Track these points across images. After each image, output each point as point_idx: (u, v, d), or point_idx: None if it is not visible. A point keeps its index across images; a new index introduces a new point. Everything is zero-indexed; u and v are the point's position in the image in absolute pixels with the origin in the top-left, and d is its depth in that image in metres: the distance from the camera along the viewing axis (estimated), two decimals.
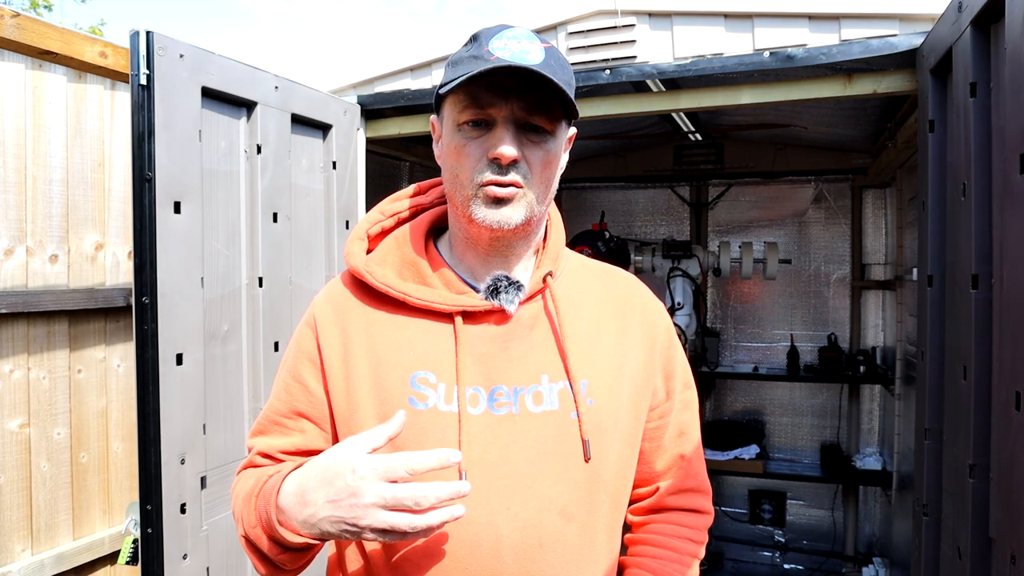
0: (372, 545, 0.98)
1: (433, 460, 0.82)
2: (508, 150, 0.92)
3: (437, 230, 1.10)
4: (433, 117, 1.06)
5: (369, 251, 1.07)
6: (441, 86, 0.97)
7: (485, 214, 0.95)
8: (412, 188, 1.13)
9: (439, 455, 0.82)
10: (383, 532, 0.81)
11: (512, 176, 0.93)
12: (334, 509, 0.82)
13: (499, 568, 0.93)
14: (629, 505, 1.12)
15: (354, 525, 0.82)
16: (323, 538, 0.88)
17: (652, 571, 1.08)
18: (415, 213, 1.10)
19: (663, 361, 1.10)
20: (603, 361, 1.03)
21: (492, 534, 0.93)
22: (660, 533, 1.12)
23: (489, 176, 0.93)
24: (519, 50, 0.92)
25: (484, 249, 1.02)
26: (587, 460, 0.97)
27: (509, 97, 0.92)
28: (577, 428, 0.98)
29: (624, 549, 1.12)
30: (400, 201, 1.11)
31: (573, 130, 1.06)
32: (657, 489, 1.13)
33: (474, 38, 0.97)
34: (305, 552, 0.94)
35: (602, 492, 1.00)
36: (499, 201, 0.94)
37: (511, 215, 0.95)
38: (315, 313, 1.06)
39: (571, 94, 0.96)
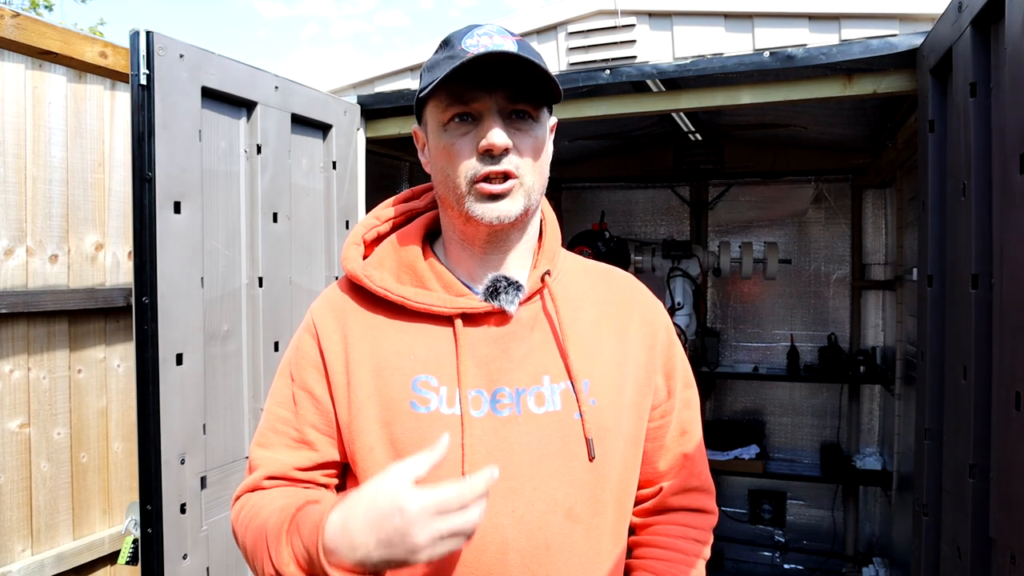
0: None
1: (482, 485, 0.80)
2: (499, 136, 0.92)
3: (433, 234, 1.09)
4: (415, 127, 1.06)
5: (365, 256, 1.07)
6: (421, 90, 0.97)
7: (483, 211, 0.95)
8: (404, 193, 1.13)
9: (485, 477, 0.81)
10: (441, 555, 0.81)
11: (505, 165, 0.93)
12: (388, 550, 0.80)
13: (505, 572, 0.92)
14: (633, 506, 1.11)
15: (412, 561, 0.80)
16: (378, 572, 0.84)
17: (658, 573, 1.07)
18: (410, 218, 1.10)
19: (663, 360, 1.09)
20: (604, 361, 1.02)
21: (497, 537, 0.92)
22: (664, 534, 1.11)
23: (482, 169, 0.93)
24: (492, 45, 0.92)
25: (480, 248, 1.01)
26: (591, 459, 0.97)
27: (492, 89, 0.93)
28: (580, 428, 0.97)
29: (629, 551, 1.11)
30: (393, 207, 1.11)
31: (554, 119, 1.06)
32: (660, 489, 1.12)
33: (446, 42, 0.97)
34: None
35: (607, 493, 0.99)
36: (495, 197, 0.94)
37: (509, 208, 0.95)
38: (315, 319, 1.05)
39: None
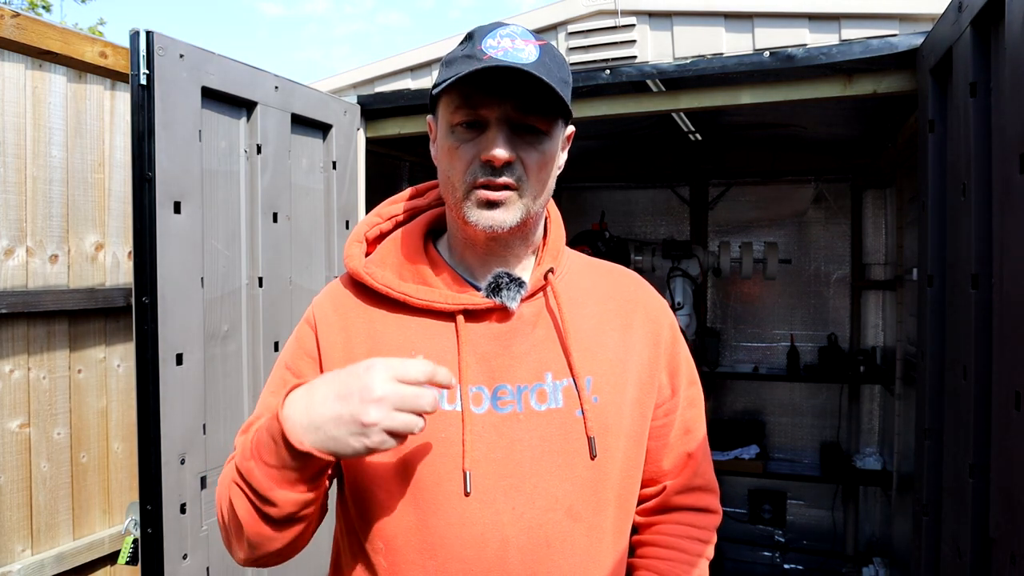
0: (372, 546, 0.97)
1: (445, 376, 0.84)
2: (500, 152, 0.91)
3: (436, 232, 1.09)
4: (429, 117, 1.05)
5: (367, 254, 1.07)
6: (435, 86, 0.96)
7: (478, 217, 0.94)
8: (409, 191, 1.13)
9: (449, 372, 0.85)
10: (391, 434, 0.80)
11: (505, 178, 0.92)
12: (343, 406, 0.80)
13: (505, 569, 0.92)
14: (636, 505, 1.11)
15: (363, 423, 0.79)
16: (324, 451, 0.80)
17: (660, 573, 1.07)
18: (412, 215, 1.10)
19: (667, 358, 1.09)
20: (607, 358, 1.02)
21: (497, 535, 0.92)
22: (667, 533, 1.11)
23: (481, 177, 0.92)
24: (512, 48, 0.91)
25: (482, 249, 1.01)
26: (593, 458, 0.96)
27: (502, 97, 0.91)
28: (582, 426, 0.97)
29: (632, 550, 1.11)
30: (397, 204, 1.11)
31: (571, 128, 1.04)
32: (664, 488, 1.12)
33: (469, 36, 0.96)
34: (301, 506, 0.87)
35: (608, 491, 0.99)
36: (492, 204, 0.93)
37: (504, 218, 0.94)
38: (315, 312, 1.05)
39: (567, 92, 0.95)
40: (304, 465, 0.83)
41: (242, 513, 0.88)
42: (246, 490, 0.87)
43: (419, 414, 0.81)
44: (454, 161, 0.95)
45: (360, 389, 0.80)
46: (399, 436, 0.81)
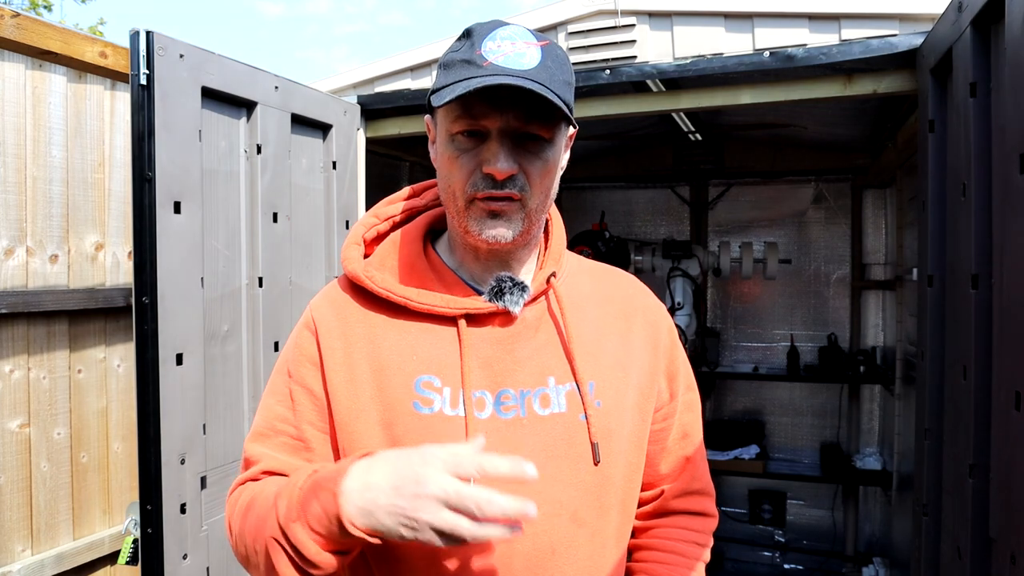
0: (375, 553, 0.95)
1: (506, 467, 0.77)
2: (503, 166, 0.89)
3: (435, 232, 1.08)
4: (427, 117, 1.03)
5: (366, 256, 1.05)
6: (433, 91, 0.94)
7: (480, 229, 0.93)
8: (406, 191, 1.11)
9: (514, 464, 0.77)
10: (441, 534, 0.77)
11: (508, 189, 0.91)
12: (395, 497, 0.78)
13: None
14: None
15: (413, 519, 0.77)
16: (377, 533, 0.80)
17: None
18: (410, 216, 1.08)
19: (666, 362, 1.08)
20: (608, 363, 1.01)
21: (502, 541, 0.91)
22: (665, 537, 1.11)
23: (483, 189, 0.91)
24: (513, 53, 0.88)
25: (484, 255, 1.00)
26: (596, 463, 0.96)
27: (503, 107, 0.88)
28: (586, 431, 0.96)
29: (629, 554, 1.10)
30: (394, 204, 1.09)
31: (573, 129, 1.02)
32: (661, 492, 1.12)
33: (467, 34, 0.94)
34: (343, 556, 0.88)
35: (611, 496, 0.98)
36: (494, 215, 0.92)
37: (507, 230, 0.93)
38: (314, 316, 1.03)
39: (570, 94, 0.93)
40: (353, 538, 0.83)
41: (282, 569, 0.88)
42: (288, 550, 0.86)
43: (471, 517, 0.76)
44: (455, 171, 0.93)
45: (415, 480, 0.78)
46: (446, 537, 0.77)
